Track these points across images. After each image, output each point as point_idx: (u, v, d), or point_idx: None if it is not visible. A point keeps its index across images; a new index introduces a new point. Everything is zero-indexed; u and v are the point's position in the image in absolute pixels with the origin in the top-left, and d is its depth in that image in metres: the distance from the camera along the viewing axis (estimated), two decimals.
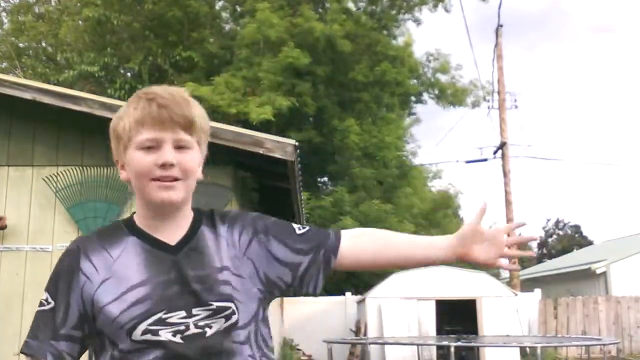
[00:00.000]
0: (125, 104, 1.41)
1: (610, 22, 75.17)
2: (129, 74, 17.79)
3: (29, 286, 5.12)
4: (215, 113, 14.47)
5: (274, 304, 11.91)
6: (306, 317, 16.03)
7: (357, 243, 1.47)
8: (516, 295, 14.32)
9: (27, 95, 5.23)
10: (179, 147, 1.35)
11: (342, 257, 1.45)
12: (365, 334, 13.88)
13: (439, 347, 13.14)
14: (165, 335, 1.30)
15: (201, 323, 1.31)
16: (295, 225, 1.48)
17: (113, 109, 5.14)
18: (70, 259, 1.38)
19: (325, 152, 17.64)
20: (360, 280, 18.46)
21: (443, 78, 19.47)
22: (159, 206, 1.36)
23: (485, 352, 13.31)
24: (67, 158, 5.42)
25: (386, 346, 12.89)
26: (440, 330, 14.06)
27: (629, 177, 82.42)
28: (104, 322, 1.32)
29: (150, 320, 1.30)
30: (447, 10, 19.10)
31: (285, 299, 15.82)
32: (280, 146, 5.03)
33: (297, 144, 5.11)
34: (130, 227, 1.41)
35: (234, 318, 1.34)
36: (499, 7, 18.93)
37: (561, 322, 15.23)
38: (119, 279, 1.33)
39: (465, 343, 10.30)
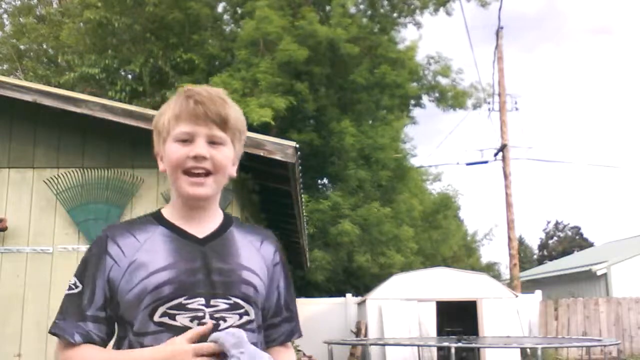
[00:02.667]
0: (167, 102, 1.50)
1: (608, 24, 75.14)
2: (129, 76, 17.78)
3: (29, 287, 5.13)
4: None
5: None
6: (307, 318, 16.03)
7: None
8: (517, 296, 14.32)
9: (28, 98, 5.24)
10: (213, 142, 1.42)
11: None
12: (365, 335, 13.88)
13: (439, 348, 13.13)
14: (181, 320, 1.34)
15: (217, 315, 1.36)
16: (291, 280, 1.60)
17: (114, 111, 5.15)
18: (99, 246, 1.44)
19: (325, 153, 17.62)
20: (360, 281, 18.45)
21: (444, 81, 19.46)
22: (189, 199, 1.44)
23: (485, 353, 13.30)
24: (67, 160, 5.42)
25: (387, 347, 12.89)
26: (440, 332, 14.05)
27: (629, 179, 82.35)
28: (128, 304, 1.37)
29: (170, 304, 1.35)
30: (448, 14, 19.08)
31: None
32: (280, 148, 5.02)
33: (297, 146, 5.10)
34: (158, 219, 1.47)
35: (245, 318, 1.40)
36: (500, 10, 18.82)
37: (562, 323, 15.22)
38: (145, 262, 1.38)
39: (465, 344, 10.30)
